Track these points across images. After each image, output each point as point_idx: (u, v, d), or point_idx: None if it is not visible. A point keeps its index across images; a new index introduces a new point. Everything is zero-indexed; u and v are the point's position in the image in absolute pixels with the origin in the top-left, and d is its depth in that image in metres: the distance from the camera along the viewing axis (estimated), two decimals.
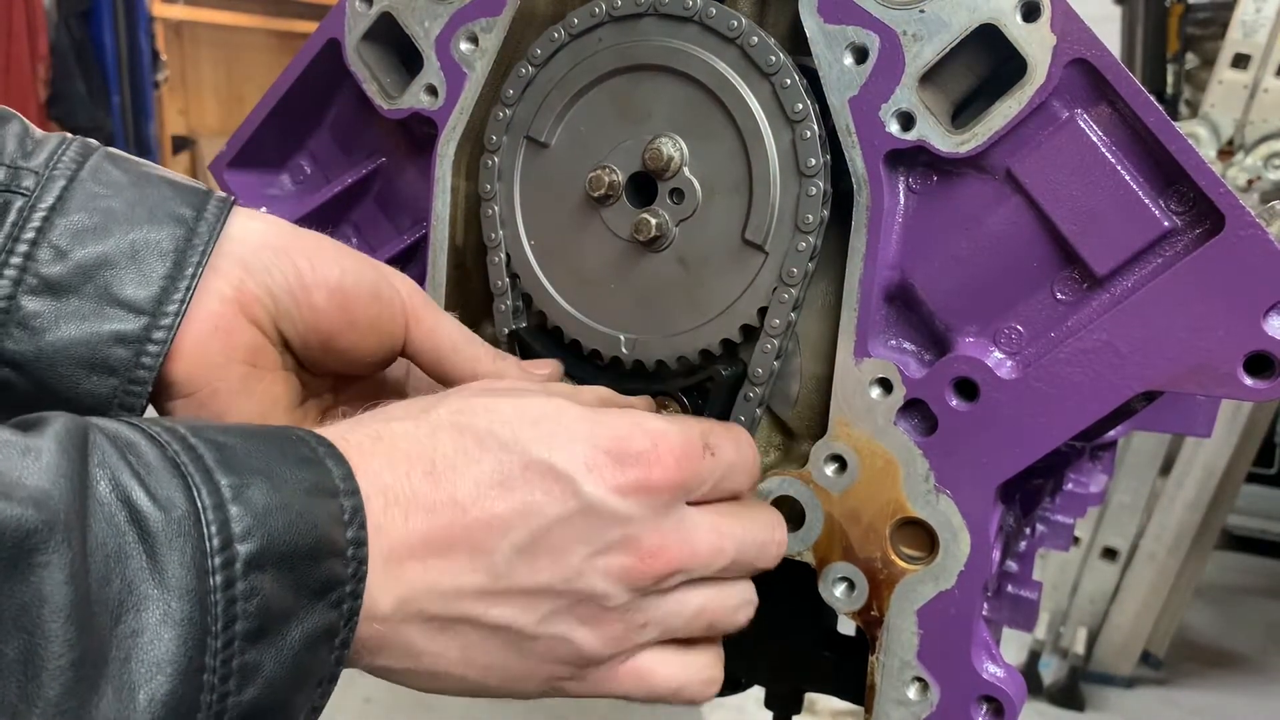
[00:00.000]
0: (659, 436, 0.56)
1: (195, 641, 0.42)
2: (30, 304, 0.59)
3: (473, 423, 0.54)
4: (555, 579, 0.53)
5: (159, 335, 0.61)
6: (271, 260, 0.65)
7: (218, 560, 0.43)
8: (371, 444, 0.52)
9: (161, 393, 0.63)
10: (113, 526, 0.42)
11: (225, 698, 0.43)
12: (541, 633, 0.54)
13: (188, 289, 0.62)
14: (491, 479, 0.52)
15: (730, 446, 0.61)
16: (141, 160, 0.66)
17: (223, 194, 0.66)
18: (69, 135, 0.65)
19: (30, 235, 0.59)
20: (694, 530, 0.57)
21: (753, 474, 0.64)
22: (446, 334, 0.70)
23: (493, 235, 0.77)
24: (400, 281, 0.69)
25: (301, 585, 0.46)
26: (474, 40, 0.76)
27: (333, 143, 0.90)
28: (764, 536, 0.63)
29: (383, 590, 0.50)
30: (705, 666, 0.62)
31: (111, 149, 0.66)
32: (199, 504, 0.44)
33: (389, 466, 0.51)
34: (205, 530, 0.44)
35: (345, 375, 0.73)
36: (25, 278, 0.59)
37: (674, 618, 0.59)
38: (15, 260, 0.59)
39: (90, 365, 0.60)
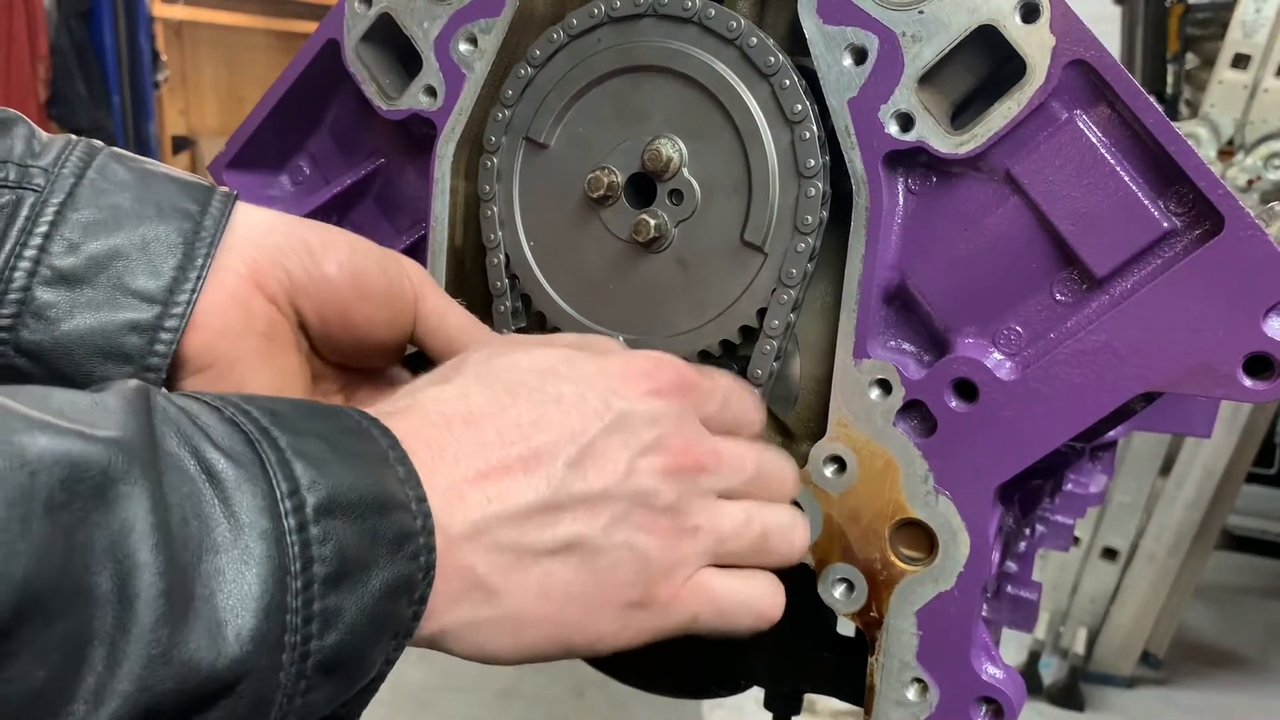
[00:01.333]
0: (656, 358, 0.62)
1: (276, 581, 0.43)
2: (45, 294, 0.61)
3: (498, 378, 0.58)
4: (609, 483, 0.57)
5: (171, 323, 0.62)
6: (282, 239, 0.67)
7: (288, 504, 0.45)
8: (404, 411, 0.54)
9: (178, 370, 0.64)
10: (184, 474, 0.43)
11: (308, 640, 0.44)
12: (607, 543, 0.57)
13: (198, 278, 0.63)
14: (530, 417, 0.56)
15: (723, 376, 0.67)
16: (145, 159, 0.68)
17: (225, 189, 0.68)
18: (74, 136, 0.66)
19: (43, 229, 0.61)
20: (716, 441, 0.62)
21: (757, 406, 0.68)
22: (454, 316, 0.72)
23: (492, 236, 0.77)
24: (409, 264, 0.72)
25: (376, 535, 0.47)
26: (473, 41, 0.76)
27: (332, 143, 0.90)
28: (782, 465, 0.67)
29: (451, 515, 0.52)
30: (767, 583, 0.64)
31: (116, 149, 0.67)
32: (263, 455, 0.45)
33: (426, 424, 0.54)
34: (273, 477, 0.45)
35: (355, 368, 0.74)
36: (39, 269, 0.61)
37: (723, 521, 0.61)
38: (29, 253, 0.61)
39: (105, 353, 0.61)
